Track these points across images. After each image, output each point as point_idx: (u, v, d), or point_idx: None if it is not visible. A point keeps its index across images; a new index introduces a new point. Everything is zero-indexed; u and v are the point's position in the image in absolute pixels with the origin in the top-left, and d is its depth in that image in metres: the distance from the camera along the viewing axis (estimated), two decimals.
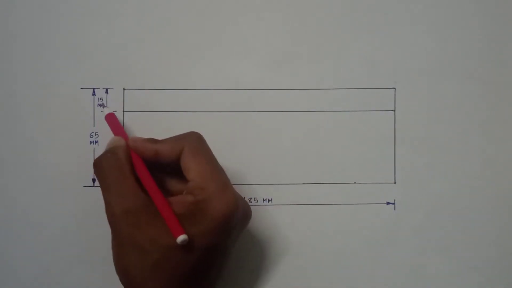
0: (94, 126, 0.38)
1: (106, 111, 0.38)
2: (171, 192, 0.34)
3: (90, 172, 0.38)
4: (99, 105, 0.39)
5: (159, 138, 0.34)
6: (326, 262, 0.39)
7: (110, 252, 0.38)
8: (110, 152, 0.33)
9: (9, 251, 0.38)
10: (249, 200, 0.39)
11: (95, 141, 0.38)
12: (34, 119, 0.38)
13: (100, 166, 0.33)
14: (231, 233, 0.32)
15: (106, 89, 0.39)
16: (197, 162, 0.32)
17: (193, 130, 0.37)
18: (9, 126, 0.38)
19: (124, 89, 0.39)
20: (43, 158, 0.38)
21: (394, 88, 0.40)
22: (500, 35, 0.40)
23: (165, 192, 0.34)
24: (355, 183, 0.40)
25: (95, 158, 0.34)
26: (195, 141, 0.33)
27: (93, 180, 0.38)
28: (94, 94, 0.39)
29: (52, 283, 0.38)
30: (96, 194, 0.38)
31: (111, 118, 0.37)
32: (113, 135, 0.36)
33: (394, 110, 0.40)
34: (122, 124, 0.38)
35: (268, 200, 0.39)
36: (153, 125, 0.39)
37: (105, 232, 0.38)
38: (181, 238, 0.29)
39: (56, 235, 0.38)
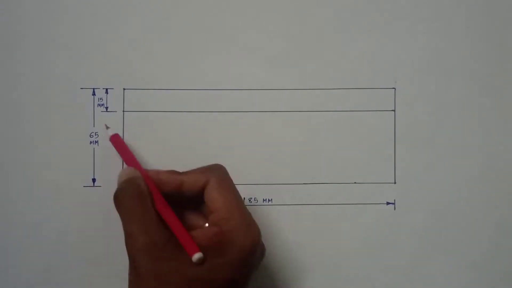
0: (94, 126, 0.38)
1: (110, 132, 0.37)
2: (188, 226, 0.34)
3: (90, 172, 0.38)
4: (99, 105, 0.39)
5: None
6: (326, 262, 0.39)
7: (110, 252, 0.38)
8: (131, 183, 0.33)
9: (9, 251, 0.38)
10: (249, 200, 0.39)
11: (95, 141, 0.38)
12: (34, 119, 0.38)
13: (121, 197, 0.32)
14: (252, 269, 0.32)
15: (106, 89, 0.39)
16: (222, 194, 0.32)
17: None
18: (9, 126, 0.38)
19: (124, 89, 0.39)
20: (43, 158, 0.38)
21: (394, 88, 0.40)
22: (500, 35, 0.40)
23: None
24: (355, 183, 0.40)
25: (115, 191, 0.33)
26: (221, 173, 0.33)
27: (93, 180, 0.38)
28: (94, 94, 0.39)
29: (52, 283, 0.38)
30: (96, 194, 0.38)
31: (117, 140, 0.37)
32: (116, 153, 0.36)
33: (394, 110, 0.40)
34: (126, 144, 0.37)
35: (268, 200, 0.39)
36: (153, 125, 0.39)
37: (104, 232, 0.38)
38: (197, 256, 0.30)
39: (56, 235, 0.38)
